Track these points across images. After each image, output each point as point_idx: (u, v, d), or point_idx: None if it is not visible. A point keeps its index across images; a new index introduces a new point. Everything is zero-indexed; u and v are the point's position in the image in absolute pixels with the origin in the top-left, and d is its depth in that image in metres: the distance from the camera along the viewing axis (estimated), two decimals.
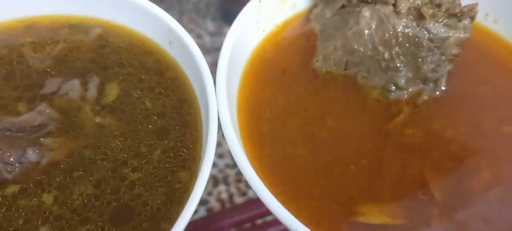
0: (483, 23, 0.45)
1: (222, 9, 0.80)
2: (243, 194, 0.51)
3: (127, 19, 0.41)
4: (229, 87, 0.36)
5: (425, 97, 0.39)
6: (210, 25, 0.74)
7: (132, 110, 0.36)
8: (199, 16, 0.78)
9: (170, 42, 0.39)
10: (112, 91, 0.38)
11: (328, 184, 0.34)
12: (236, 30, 0.38)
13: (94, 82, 0.38)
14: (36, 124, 0.34)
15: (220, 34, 0.77)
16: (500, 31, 0.44)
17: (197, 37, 0.73)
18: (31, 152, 0.33)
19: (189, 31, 0.78)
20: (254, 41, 0.42)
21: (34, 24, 0.42)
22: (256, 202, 0.49)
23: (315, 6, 0.45)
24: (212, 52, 0.69)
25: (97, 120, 0.36)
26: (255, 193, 0.30)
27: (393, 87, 0.39)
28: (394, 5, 0.38)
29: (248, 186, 0.33)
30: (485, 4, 0.44)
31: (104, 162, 0.33)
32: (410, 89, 0.39)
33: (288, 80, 0.41)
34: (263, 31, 0.43)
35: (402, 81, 0.39)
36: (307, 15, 0.45)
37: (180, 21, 0.76)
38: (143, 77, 0.39)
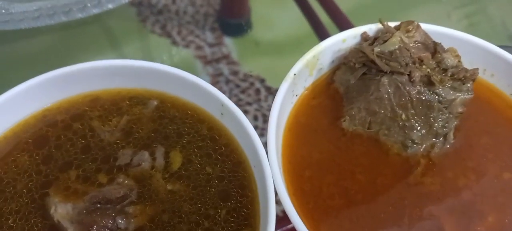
0: (482, 77, 0.52)
1: (219, 21, 0.85)
2: None
3: (180, 91, 0.48)
4: (277, 152, 0.43)
5: (437, 150, 0.46)
6: (210, 36, 0.79)
7: (195, 176, 0.43)
8: (198, 28, 0.84)
9: (222, 113, 0.46)
10: (176, 159, 0.45)
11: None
12: (278, 101, 0.45)
13: (160, 152, 0.45)
14: (120, 195, 0.41)
15: (219, 45, 0.82)
16: (496, 84, 0.52)
17: (198, 49, 0.78)
18: (120, 220, 0.40)
19: (189, 43, 0.83)
20: (290, 106, 0.49)
21: (97, 98, 0.49)
22: None
23: (338, 68, 0.52)
24: (213, 63, 0.74)
25: (168, 186, 0.42)
26: None
27: (410, 143, 0.46)
28: (408, 75, 0.46)
29: None
30: (483, 61, 0.52)
31: (181, 224, 0.40)
32: (425, 145, 0.46)
33: (320, 138, 0.48)
34: (296, 95, 0.50)
35: (417, 138, 0.46)
36: (331, 76, 0.52)
37: (179, 33, 0.83)
38: (200, 144, 0.46)
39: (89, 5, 0.55)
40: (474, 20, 0.95)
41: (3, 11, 0.60)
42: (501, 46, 0.53)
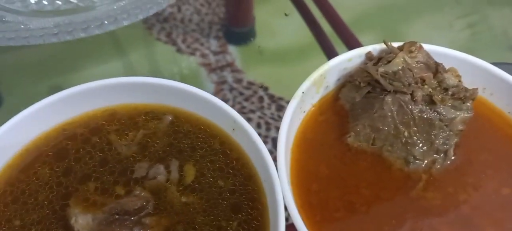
0: (482, 95, 0.54)
1: (224, 29, 0.87)
2: None
3: (194, 107, 0.50)
4: (286, 167, 0.45)
5: (438, 166, 0.48)
6: (214, 45, 0.82)
7: (208, 189, 0.46)
8: (202, 36, 0.86)
9: (233, 129, 0.48)
10: (190, 172, 0.47)
11: None
12: (287, 118, 0.48)
13: (174, 166, 0.47)
14: (137, 207, 0.43)
15: (224, 53, 0.84)
16: (496, 102, 0.54)
17: (202, 57, 0.80)
18: None
19: (194, 50, 0.85)
20: (298, 122, 0.51)
21: (115, 113, 0.51)
22: None
23: (343, 85, 0.54)
24: (217, 70, 0.76)
25: (183, 199, 0.45)
26: None
27: (412, 159, 0.48)
28: (411, 94, 0.48)
29: None
30: (482, 80, 0.54)
31: None
32: (426, 161, 0.48)
33: (326, 153, 0.50)
34: (304, 112, 0.52)
35: (419, 154, 0.48)
36: (337, 93, 0.55)
37: (184, 41, 0.85)
38: (212, 158, 0.48)
39: (106, 22, 0.58)
40: (476, 30, 0.96)
41: (22, 26, 0.63)
42: (500, 64, 0.55)
